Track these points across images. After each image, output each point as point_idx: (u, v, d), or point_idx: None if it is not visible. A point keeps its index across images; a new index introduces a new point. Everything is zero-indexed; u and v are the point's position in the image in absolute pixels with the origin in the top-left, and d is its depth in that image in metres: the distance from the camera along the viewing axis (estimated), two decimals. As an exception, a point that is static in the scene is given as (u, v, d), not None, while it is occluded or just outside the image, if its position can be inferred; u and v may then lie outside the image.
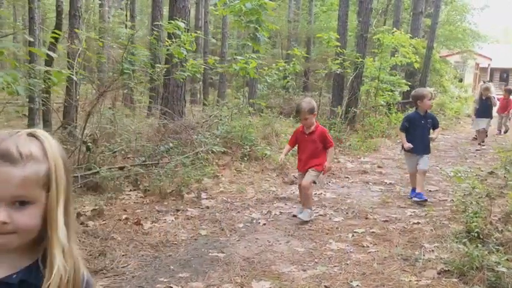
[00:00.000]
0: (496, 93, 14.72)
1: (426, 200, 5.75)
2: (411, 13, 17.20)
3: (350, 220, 5.14)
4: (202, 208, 5.37)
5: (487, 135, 11.30)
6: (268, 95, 14.84)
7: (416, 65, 12.61)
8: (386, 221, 5.08)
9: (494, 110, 11.60)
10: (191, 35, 5.85)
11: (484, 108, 10.71)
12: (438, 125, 6.10)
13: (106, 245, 4.10)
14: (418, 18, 15.97)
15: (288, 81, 11.17)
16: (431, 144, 6.08)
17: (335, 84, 11.62)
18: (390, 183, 6.87)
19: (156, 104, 10.40)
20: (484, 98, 10.77)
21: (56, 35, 4.37)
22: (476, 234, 4.01)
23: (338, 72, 10.66)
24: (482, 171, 7.67)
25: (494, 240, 4.04)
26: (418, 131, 5.88)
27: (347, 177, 7.20)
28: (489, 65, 34.54)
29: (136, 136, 7.18)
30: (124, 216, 4.83)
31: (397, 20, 16.71)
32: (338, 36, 10.41)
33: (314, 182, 5.22)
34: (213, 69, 9.92)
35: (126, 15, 14.81)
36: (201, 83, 17.40)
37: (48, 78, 3.38)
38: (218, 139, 7.67)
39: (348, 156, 8.85)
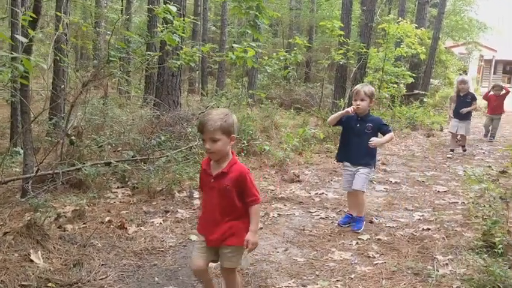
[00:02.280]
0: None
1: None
2: (417, 2, 16.71)
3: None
4: (193, 209, 4.96)
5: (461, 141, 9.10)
6: (268, 86, 14.40)
7: (422, 56, 12.15)
8: (393, 226, 4.67)
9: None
10: (184, 20, 5.39)
11: (461, 108, 8.63)
12: (388, 130, 4.50)
13: (83, 252, 3.69)
14: (424, 8, 15.48)
15: (288, 72, 10.72)
16: (376, 155, 4.64)
17: (338, 76, 11.16)
18: (396, 182, 6.45)
19: (151, 94, 9.97)
20: (461, 94, 8.74)
21: (30, 19, 3.94)
22: (496, 247, 3.60)
23: (341, 63, 10.19)
24: (492, 169, 7.27)
25: (515, 253, 3.65)
26: (352, 137, 4.53)
27: (350, 175, 6.79)
28: (494, 56, 34.00)
29: (126, 128, 6.76)
30: (107, 219, 4.42)
31: (402, 9, 16.23)
32: (342, 25, 9.94)
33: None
34: (210, 58, 9.48)
35: (122, 0, 14.29)
36: (199, 71, 16.93)
37: (16, 67, 2.96)
38: (214, 132, 7.24)
39: (351, 151, 8.43)
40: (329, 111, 10.66)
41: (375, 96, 4.55)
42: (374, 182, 6.41)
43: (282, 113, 11.82)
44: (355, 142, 4.50)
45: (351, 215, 4.68)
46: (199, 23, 15.95)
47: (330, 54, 10.33)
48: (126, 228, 4.26)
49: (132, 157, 5.82)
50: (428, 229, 4.56)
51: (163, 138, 6.36)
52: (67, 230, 4.09)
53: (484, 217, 4.41)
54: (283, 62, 8.88)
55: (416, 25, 12.41)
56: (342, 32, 9.78)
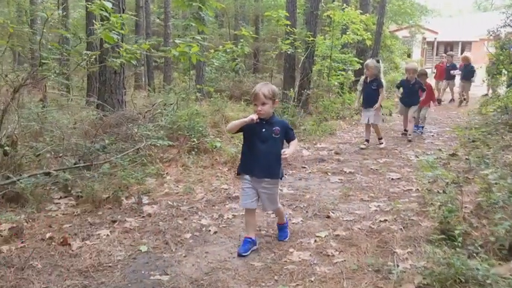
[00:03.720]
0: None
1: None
2: (360, -12, 16.76)
3: (311, 220, 4.61)
4: (143, 216, 4.69)
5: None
6: (216, 78, 14.12)
7: (368, 42, 12.20)
8: (350, 220, 4.58)
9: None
10: (121, 16, 5.06)
11: (369, 95, 7.95)
12: (294, 136, 3.94)
13: (21, 276, 3.38)
14: (367, -7, 15.55)
15: (236, 64, 10.51)
16: (282, 166, 3.96)
17: (286, 66, 11.03)
18: (350, 172, 6.39)
19: (95, 94, 9.50)
20: (368, 81, 7.96)
21: None
22: (455, 239, 3.55)
23: (288, 52, 10.06)
24: (442, 152, 7.35)
25: (473, 240, 3.62)
26: (257, 144, 3.81)
27: (304, 167, 6.67)
28: (435, 38, 35.03)
29: (67, 133, 6.36)
30: (48, 235, 4.09)
31: (346, -5, 16.23)
32: (288, 14, 9.78)
33: None
34: (153, 53, 9.09)
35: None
36: (144, 66, 16.41)
37: None
38: (162, 131, 6.96)
39: (304, 142, 8.33)
40: (280, 101, 10.52)
41: (278, 95, 3.88)
42: (329, 174, 6.33)
43: (232, 105, 11.61)
44: (262, 150, 3.80)
45: (251, 238, 3.93)
46: (141, 18, 15.47)
47: (277, 44, 10.16)
48: (69, 244, 3.95)
49: (74, 164, 5.46)
50: (385, 220, 4.49)
51: (107, 141, 6.02)
52: (3, 252, 3.73)
53: (440, 205, 4.39)
54: (229, 54, 8.65)
55: (361, 11, 12.45)
56: (288, 22, 9.62)
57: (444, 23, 39.00)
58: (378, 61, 8.20)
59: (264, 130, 3.81)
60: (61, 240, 3.97)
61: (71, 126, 6.94)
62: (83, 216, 4.64)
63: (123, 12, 8.02)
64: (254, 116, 3.74)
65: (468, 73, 13.81)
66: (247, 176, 3.90)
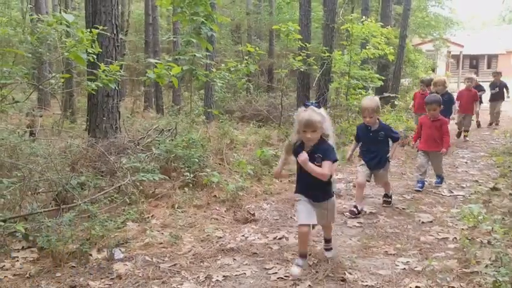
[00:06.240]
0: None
1: None
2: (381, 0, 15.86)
3: (321, 286, 3.61)
4: (111, 279, 3.75)
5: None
6: (226, 98, 13.26)
7: (391, 57, 11.19)
8: (372, 285, 3.57)
9: None
10: (91, 32, 4.21)
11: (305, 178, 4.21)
12: None
13: None
14: (388, 5, 14.68)
15: (244, 83, 9.63)
16: None
17: (300, 84, 10.10)
18: (371, 212, 5.37)
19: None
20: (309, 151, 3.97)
21: None
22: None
23: (301, 70, 9.12)
24: (480, 184, 6.30)
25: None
26: None
27: (317, 205, 5.68)
28: (461, 52, 33.71)
29: (43, 166, 5.53)
30: (-20, 312, 3.20)
31: (366, 7, 15.32)
32: (299, 28, 8.86)
33: None
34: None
35: (60, 11, 13.00)
36: (146, 86, 15.74)
37: None
38: (154, 163, 6.07)
39: (318, 171, 7.31)
40: (291, 124, 9.57)
41: None
42: (346, 214, 5.33)
43: (243, 127, 10.76)
44: None
45: None
46: (150, 35, 14.79)
47: (288, 60, 9.25)
48: (4, 326, 3.05)
49: (38, 207, 4.59)
50: (418, 288, 3.48)
51: (83, 177, 5.15)
52: None
53: (487, 265, 3.38)
54: (233, 74, 7.78)
55: (382, 24, 11.50)
56: (299, 36, 8.70)
57: (469, 35, 37.78)
58: (318, 106, 3.82)
59: None
60: (-7, 321, 3.07)
61: (52, 158, 6.11)
62: (37, 279, 3.72)
63: (117, 29, 7.28)
64: None
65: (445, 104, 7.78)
66: None
